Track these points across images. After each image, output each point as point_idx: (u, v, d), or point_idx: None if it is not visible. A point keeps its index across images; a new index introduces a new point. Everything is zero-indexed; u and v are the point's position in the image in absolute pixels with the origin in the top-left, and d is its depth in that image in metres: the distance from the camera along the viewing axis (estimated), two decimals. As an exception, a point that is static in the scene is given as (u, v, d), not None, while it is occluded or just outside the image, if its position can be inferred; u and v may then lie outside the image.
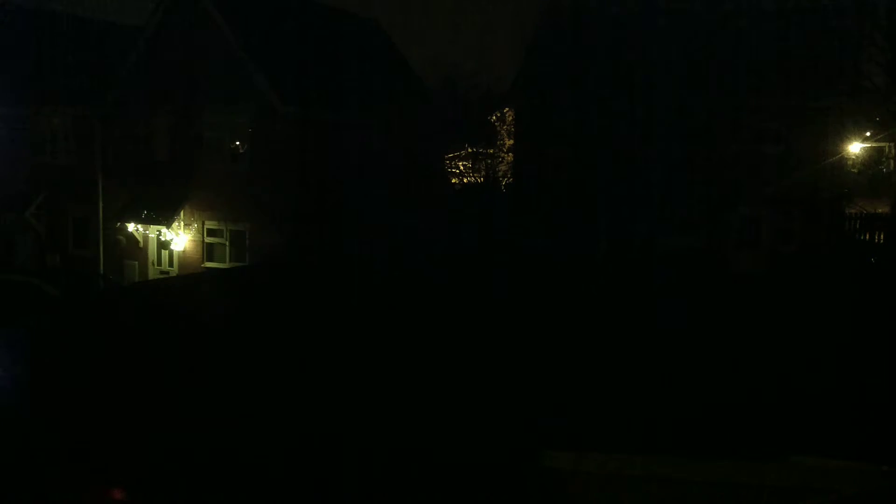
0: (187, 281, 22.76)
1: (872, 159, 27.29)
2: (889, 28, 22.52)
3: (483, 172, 39.77)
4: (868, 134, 25.87)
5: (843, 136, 24.82)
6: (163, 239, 25.63)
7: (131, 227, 25.79)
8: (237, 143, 24.82)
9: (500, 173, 37.93)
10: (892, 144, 26.97)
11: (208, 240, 25.23)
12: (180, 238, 25.34)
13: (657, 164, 26.02)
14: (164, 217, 25.18)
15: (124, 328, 17.42)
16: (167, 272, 25.66)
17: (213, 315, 18.03)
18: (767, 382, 14.26)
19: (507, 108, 34.74)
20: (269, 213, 24.21)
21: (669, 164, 25.85)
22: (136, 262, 26.26)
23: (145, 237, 25.92)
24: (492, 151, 39.46)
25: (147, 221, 25.49)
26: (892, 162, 27.42)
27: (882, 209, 25.30)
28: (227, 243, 24.99)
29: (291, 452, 11.62)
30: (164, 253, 25.85)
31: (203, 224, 25.17)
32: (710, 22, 27.19)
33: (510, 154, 34.15)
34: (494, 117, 38.05)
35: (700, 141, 25.74)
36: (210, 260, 25.12)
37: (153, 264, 26.08)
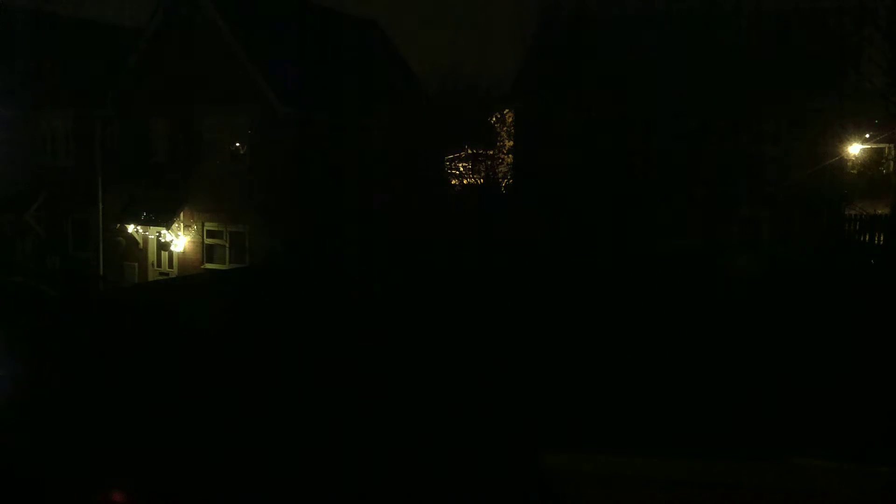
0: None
1: (872, 161, 27.27)
2: (889, 29, 22.50)
3: (483, 174, 39.70)
4: (868, 135, 25.83)
5: (843, 137, 24.79)
6: (162, 240, 25.62)
7: (131, 228, 25.78)
8: (237, 143, 24.82)
9: (501, 175, 37.87)
10: (891, 146, 26.95)
11: (208, 241, 25.22)
12: (180, 239, 25.34)
13: (657, 164, 26.02)
14: (164, 218, 25.17)
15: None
16: (167, 273, 25.66)
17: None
18: (768, 383, 14.24)
19: (506, 110, 34.68)
20: (269, 215, 24.21)
21: (669, 164, 25.84)
22: (136, 264, 26.26)
23: (145, 238, 25.91)
24: (492, 153, 39.37)
25: (147, 223, 25.48)
26: (891, 163, 27.40)
27: (882, 210, 25.27)
28: (227, 244, 24.99)
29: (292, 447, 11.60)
30: (164, 254, 25.85)
31: (203, 225, 25.16)
32: (710, 22, 27.18)
33: (510, 155, 34.09)
34: (494, 118, 37.96)
35: (700, 141, 25.71)
36: (210, 261, 25.11)
37: (153, 266, 26.07)
